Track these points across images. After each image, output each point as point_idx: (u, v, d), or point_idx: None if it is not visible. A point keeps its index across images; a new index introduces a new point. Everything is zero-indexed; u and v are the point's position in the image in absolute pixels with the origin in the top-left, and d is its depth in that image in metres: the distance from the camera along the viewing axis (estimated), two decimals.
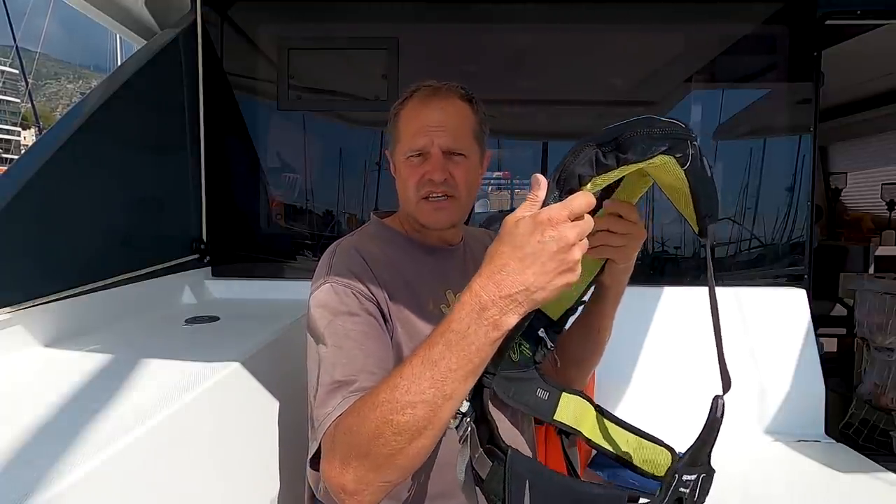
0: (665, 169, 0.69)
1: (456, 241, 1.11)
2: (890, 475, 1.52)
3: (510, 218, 0.65)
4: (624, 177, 0.75)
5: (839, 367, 3.01)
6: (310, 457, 0.87)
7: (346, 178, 2.08)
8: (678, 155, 0.66)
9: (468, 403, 0.72)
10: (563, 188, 0.65)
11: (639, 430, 0.85)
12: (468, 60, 2.07)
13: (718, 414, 0.71)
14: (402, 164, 1.01)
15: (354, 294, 0.92)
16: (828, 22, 1.95)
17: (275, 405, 1.22)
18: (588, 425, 0.87)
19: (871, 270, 3.79)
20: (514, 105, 2.10)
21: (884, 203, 4.64)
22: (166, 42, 1.77)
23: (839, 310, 3.56)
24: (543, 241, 0.62)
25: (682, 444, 1.76)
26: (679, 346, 1.84)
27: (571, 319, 0.89)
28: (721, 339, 0.73)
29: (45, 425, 0.78)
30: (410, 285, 1.00)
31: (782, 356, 1.84)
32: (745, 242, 2.03)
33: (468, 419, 0.72)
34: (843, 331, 3.43)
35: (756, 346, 1.84)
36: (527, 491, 0.67)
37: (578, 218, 0.63)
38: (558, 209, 0.63)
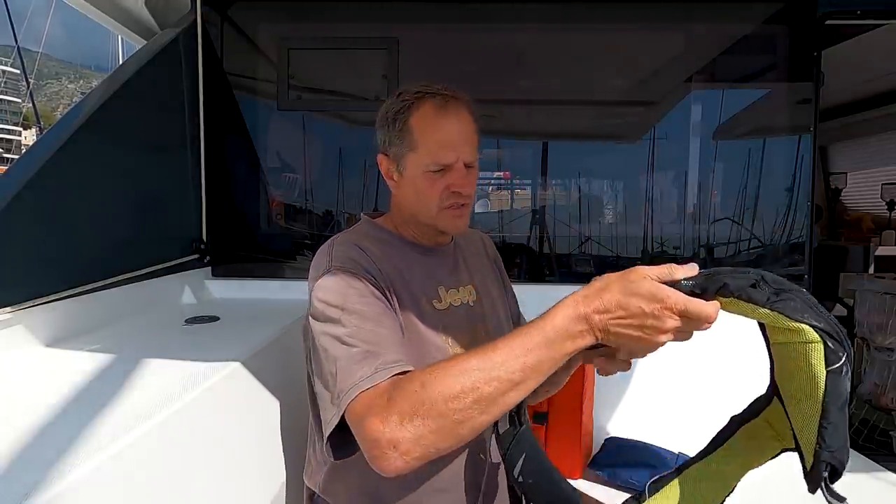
0: (803, 353, 0.64)
1: (447, 242, 1.13)
2: (890, 475, 1.52)
3: (642, 269, 0.70)
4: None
5: None
6: (329, 431, 0.83)
7: (346, 178, 2.08)
8: (829, 345, 0.63)
9: None
10: (699, 281, 0.68)
11: None
12: (468, 60, 2.07)
13: None
14: (421, 176, 1.01)
15: (361, 278, 0.93)
16: (828, 22, 1.94)
17: (275, 405, 1.22)
18: None
19: (871, 270, 3.79)
20: (514, 105, 2.10)
21: (884, 203, 4.64)
22: (166, 42, 1.77)
23: (839, 310, 3.55)
24: (644, 313, 0.68)
25: (681, 444, 1.76)
26: (678, 347, 1.83)
27: None
28: None
29: (45, 425, 0.78)
30: (406, 282, 1.02)
31: None
32: (745, 242, 2.03)
33: None
34: None
35: (756, 346, 1.84)
36: (521, 460, 0.80)
37: (688, 317, 0.68)
38: (679, 299, 0.67)
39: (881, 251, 3.92)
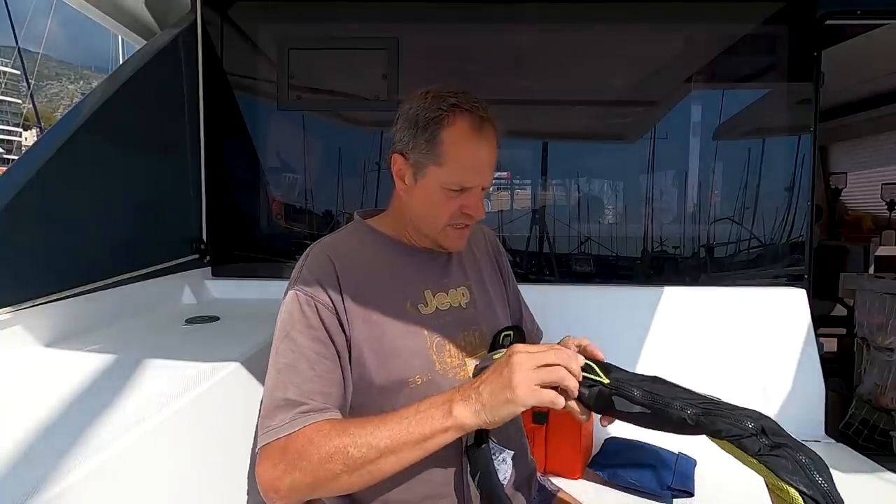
0: None
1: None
2: (890, 475, 1.52)
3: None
4: None
5: (839, 367, 3.00)
6: (258, 447, 0.91)
7: (346, 179, 2.08)
8: None
9: None
10: (694, 410, 0.73)
11: None
12: (468, 60, 2.07)
13: None
14: (438, 191, 0.98)
15: (316, 305, 0.94)
16: (828, 22, 1.94)
17: None
18: None
19: (871, 270, 3.78)
20: (514, 105, 2.10)
21: (884, 203, 4.64)
22: (166, 42, 1.77)
23: (839, 310, 3.55)
24: (501, 364, 0.81)
25: (681, 444, 1.75)
26: (679, 347, 1.83)
27: None
28: None
29: (45, 425, 0.78)
30: (385, 287, 1.01)
31: (782, 356, 1.84)
32: (745, 242, 2.03)
33: None
34: (843, 331, 3.42)
35: (756, 346, 1.84)
36: (478, 474, 0.88)
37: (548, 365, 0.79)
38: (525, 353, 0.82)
39: (881, 251, 3.91)
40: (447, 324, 1.03)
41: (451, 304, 1.06)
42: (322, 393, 0.90)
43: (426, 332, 1.00)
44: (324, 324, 0.94)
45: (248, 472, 1.10)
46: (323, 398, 0.89)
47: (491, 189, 2.21)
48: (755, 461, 0.66)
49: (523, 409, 0.80)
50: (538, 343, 1.30)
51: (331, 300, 0.95)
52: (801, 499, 0.62)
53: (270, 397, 0.90)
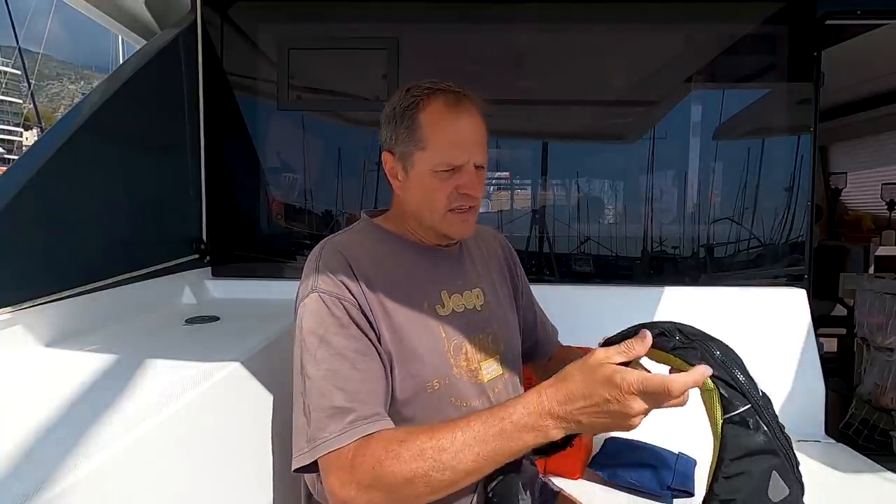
0: (706, 400, 0.69)
1: (453, 242, 1.10)
2: (890, 475, 1.52)
3: (602, 354, 0.73)
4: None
5: (839, 367, 3.01)
6: (296, 467, 0.87)
7: (346, 179, 2.08)
8: (723, 393, 0.67)
9: None
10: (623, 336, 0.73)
11: None
12: (468, 60, 2.07)
13: None
14: (430, 176, 0.97)
15: (342, 303, 0.91)
16: (828, 22, 1.94)
17: (275, 405, 1.22)
18: None
19: (871, 270, 3.78)
20: (514, 105, 2.10)
21: (884, 203, 4.63)
22: (166, 42, 1.77)
23: (839, 310, 3.56)
24: (606, 399, 0.70)
25: (681, 444, 1.75)
26: None
27: None
28: None
29: (45, 425, 0.78)
30: (402, 287, 0.98)
31: (782, 356, 1.84)
32: (745, 242, 2.03)
33: None
34: (843, 331, 3.43)
35: (756, 346, 1.83)
36: (496, 481, 0.88)
37: (648, 393, 0.69)
38: (634, 379, 0.69)
39: (881, 251, 3.92)
40: (463, 326, 1.02)
41: (465, 305, 1.04)
42: (369, 391, 0.87)
43: (444, 334, 0.98)
44: (354, 321, 0.91)
45: (249, 471, 1.10)
46: (372, 397, 0.87)
47: (491, 189, 2.21)
48: (672, 357, 0.70)
49: None
50: (554, 339, 1.30)
51: (354, 297, 0.92)
52: (709, 380, 0.67)
53: (317, 406, 0.85)
